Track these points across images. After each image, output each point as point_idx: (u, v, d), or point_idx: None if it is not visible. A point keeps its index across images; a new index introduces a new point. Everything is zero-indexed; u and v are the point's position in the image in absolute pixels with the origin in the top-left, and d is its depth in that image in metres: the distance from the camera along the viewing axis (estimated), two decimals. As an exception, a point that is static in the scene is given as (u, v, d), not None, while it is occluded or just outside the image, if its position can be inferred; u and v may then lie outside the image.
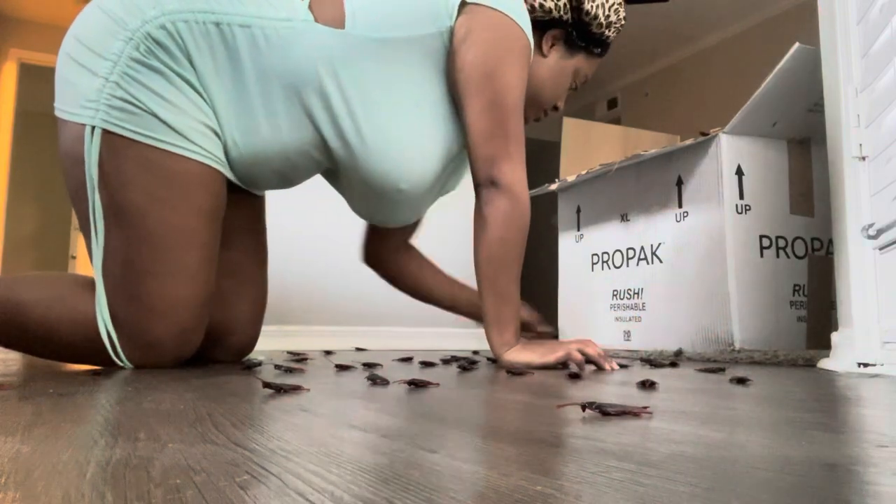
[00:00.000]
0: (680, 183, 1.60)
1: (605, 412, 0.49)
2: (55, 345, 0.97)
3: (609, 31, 1.19)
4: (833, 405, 0.60)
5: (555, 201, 2.12)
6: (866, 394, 0.70)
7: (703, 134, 1.53)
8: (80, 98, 0.94)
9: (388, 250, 1.33)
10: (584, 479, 0.28)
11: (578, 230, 1.99)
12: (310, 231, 2.10)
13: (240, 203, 1.14)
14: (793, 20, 3.79)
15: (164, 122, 0.94)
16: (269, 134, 1.01)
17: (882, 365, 1.02)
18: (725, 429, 0.43)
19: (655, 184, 1.68)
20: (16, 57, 4.46)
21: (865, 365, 1.03)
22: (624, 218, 1.80)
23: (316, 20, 1.00)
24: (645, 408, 0.50)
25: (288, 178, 1.10)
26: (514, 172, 1.05)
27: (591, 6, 1.16)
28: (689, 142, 1.57)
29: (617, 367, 1.04)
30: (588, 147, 2.18)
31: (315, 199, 1.82)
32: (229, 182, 1.06)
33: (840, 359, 1.09)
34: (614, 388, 0.72)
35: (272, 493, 0.26)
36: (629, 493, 0.26)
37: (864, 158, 1.10)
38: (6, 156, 4.33)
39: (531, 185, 2.24)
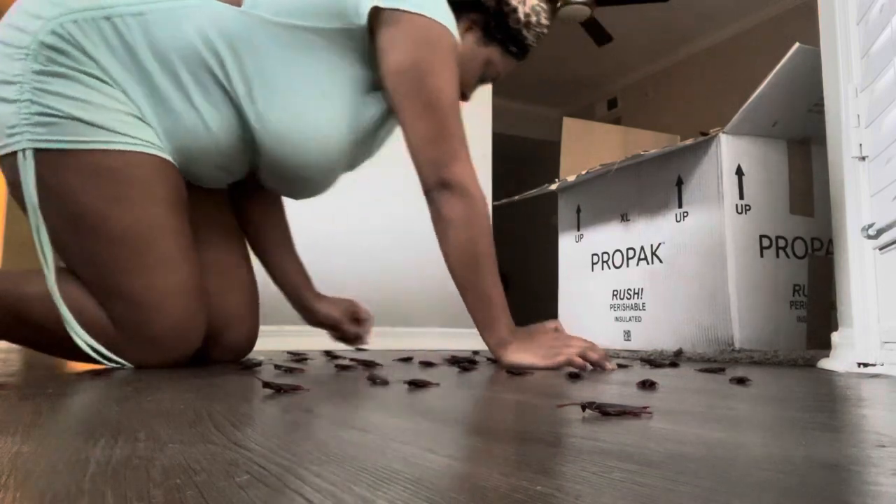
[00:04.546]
0: (680, 183, 1.60)
1: (605, 412, 0.49)
2: (58, 339, 0.97)
3: (527, 31, 1.15)
4: (833, 405, 0.60)
5: (555, 201, 2.12)
6: (866, 394, 0.70)
7: (703, 134, 1.53)
8: (4, 129, 0.94)
9: (253, 193, 1.26)
10: (584, 479, 0.28)
11: (578, 230, 1.99)
12: (309, 231, 2.10)
13: (199, 202, 1.12)
14: (793, 20, 3.79)
15: (88, 123, 0.93)
16: (194, 125, 0.99)
17: (882, 365, 1.02)
18: (725, 429, 0.43)
19: (655, 184, 1.68)
20: (16, 57, 4.45)
21: (865, 365, 1.03)
22: (624, 218, 1.80)
23: None
24: (645, 408, 0.50)
25: (229, 169, 1.09)
26: (464, 171, 1.03)
27: None
28: (689, 142, 1.57)
29: (615, 367, 1.04)
30: (588, 147, 2.18)
31: (314, 199, 1.82)
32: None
33: (840, 359, 1.09)
34: (614, 388, 0.72)
35: (272, 493, 0.26)
36: (629, 493, 0.26)
37: (864, 158, 1.10)
38: (6, 156, 4.32)
39: (531, 186, 2.25)
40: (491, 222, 1.06)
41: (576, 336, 1.07)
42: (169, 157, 1.00)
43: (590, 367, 1.02)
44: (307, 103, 1.01)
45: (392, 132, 1.18)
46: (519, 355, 1.03)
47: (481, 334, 1.07)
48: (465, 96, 1.20)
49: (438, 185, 1.03)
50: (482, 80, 1.21)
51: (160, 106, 0.98)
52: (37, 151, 0.93)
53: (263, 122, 1.00)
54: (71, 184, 0.94)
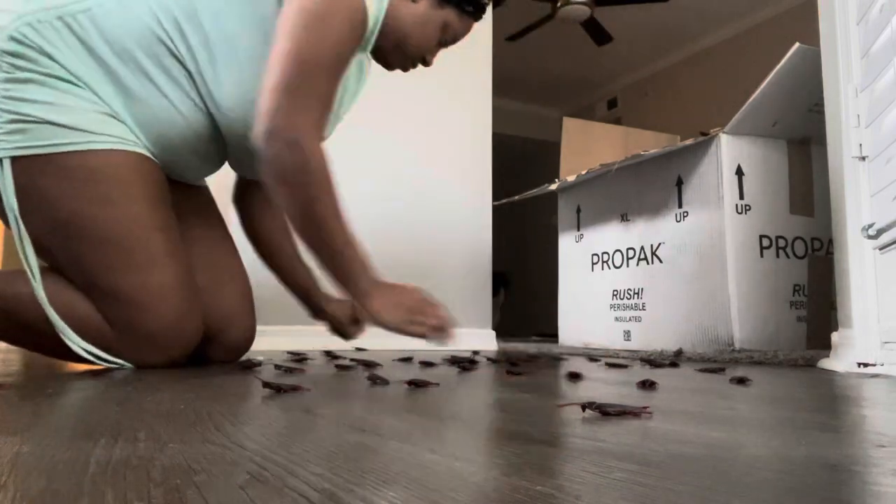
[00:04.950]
0: (680, 183, 1.60)
1: (605, 412, 0.49)
2: (54, 341, 0.97)
3: None
4: (833, 405, 0.60)
5: (555, 201, 2.12)
6: (866, 394, 0.70)
7: (703, 134, 1.53)
8: None
9: (256, 199, 1.23)
10: (584, 479, 0.28)
11: (578, 230, 1.99)
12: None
13: (183, 199, 1.12)
14: (793, 20, 3.79)
15: (61, 125, 0.93)
16: (167, 113, 0.98)
17: (882, 365, 1.02)
18: (725, 429, 0.43)
19: (655, 184, 1.68)
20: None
21: (865, 365, 1.03)
22: (624, 218, 1.80)
23: None
24: (645, 408, 0.50)
25: (207, 155, 1.08)
26: (304, 126, 0.94)
27: None
28: (689, 142, 1.57)
29: (452, 333, 1.01)
30: (588, 147, 2.18)
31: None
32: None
33: (840, 359, 1.09)
34: (614, 388, 0.72)
35: (272, 493, 0.26)
36: (629, 493, 0.26)
37: (864, 158, 1.10)
38: (6, 156, 4.32)
39: (531, 186, 2.25)
40: (332, 180, 0.96)
41: (438, 308, 1.04)
42: (146, 152, 1.00)
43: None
44: (253, 72, 0.99)
45: (357, 97, 1.15)
46: (384, 309, 1.00)
47: (341, 289, 1.01)
48: (426, 61, 1.15)
49: (270, 135, 0.92)
50: (442, 44, 1.16)
51: (129, 98, 0.97)
52: (13, 160, 0.92)
53: (213, 97, 0.99)
54: (50, 188, 0.93)
